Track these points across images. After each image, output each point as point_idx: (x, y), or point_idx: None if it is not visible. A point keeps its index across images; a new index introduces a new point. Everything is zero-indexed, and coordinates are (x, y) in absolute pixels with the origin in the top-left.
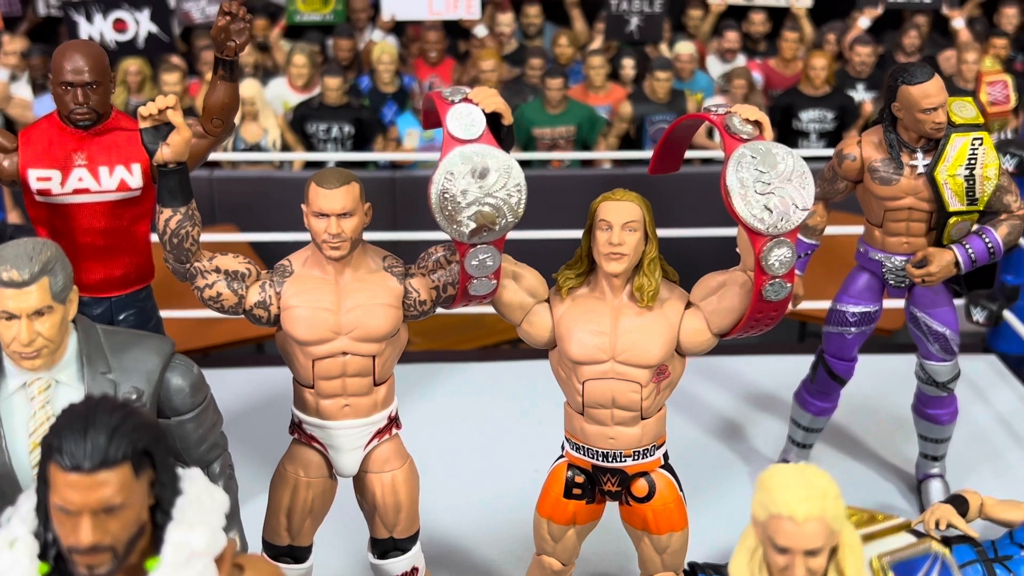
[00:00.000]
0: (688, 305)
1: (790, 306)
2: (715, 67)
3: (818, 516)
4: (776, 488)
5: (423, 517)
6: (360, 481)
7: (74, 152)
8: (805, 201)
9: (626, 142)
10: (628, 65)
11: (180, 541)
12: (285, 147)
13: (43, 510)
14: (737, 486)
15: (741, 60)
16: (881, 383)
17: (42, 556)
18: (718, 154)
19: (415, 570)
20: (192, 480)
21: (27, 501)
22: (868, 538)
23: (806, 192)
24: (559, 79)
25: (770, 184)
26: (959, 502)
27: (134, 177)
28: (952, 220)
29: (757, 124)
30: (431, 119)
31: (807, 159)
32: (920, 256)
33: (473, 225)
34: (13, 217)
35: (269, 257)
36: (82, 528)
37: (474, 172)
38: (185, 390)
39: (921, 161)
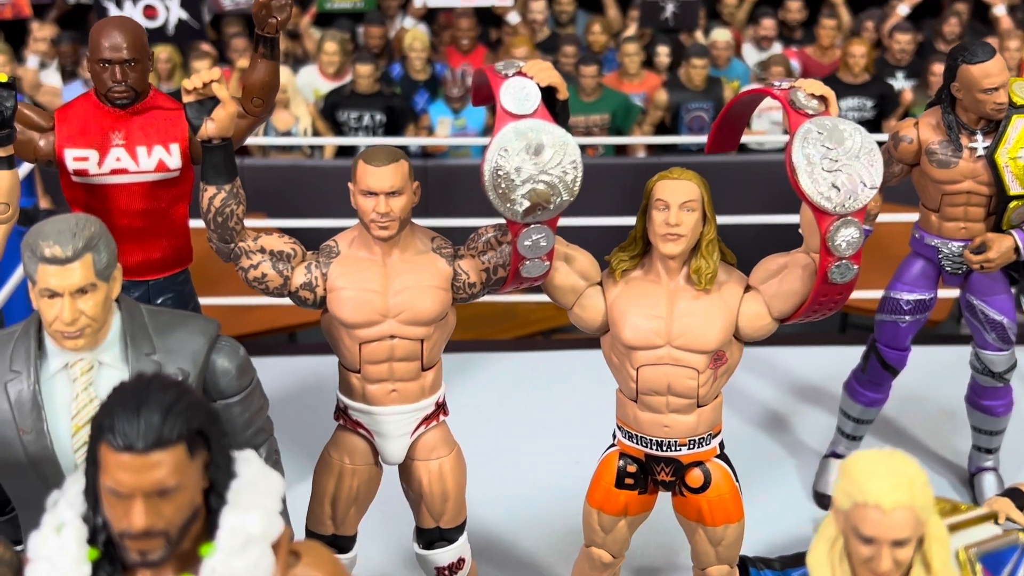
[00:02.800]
0: (747, 288)
1: None
2: (751, 55)
3: (906, 505)
4: (862, 475)
5: None
6: (406, 469)
7: (111, 131)
8: (873, 179)
9: (661, 130)
10: (663, 53)
11: (236, 526)
12: (316, 135)
13: (92, 493)
14: (784, 479)
15: (777, 48)
16: (928, 375)
17: (91, 541)
18: (749, 140)
19: (461, 561)
20: (247, 462)
21: (74, 484)
22: (953, 528)
23: (874, 170)
24: (593, 67)
25: (837, 161)
26: (1016, 495)
27: (173, 157)
28: (1012, 204)
29: (822, 99)
30: (482, 94)
31: None
32: (979, 242)
33: (527, 204)
34: (44, 203)
35: None
36: (135, 511)
37: (529, 148)
38: (231, 372)
39: (981, 143)
